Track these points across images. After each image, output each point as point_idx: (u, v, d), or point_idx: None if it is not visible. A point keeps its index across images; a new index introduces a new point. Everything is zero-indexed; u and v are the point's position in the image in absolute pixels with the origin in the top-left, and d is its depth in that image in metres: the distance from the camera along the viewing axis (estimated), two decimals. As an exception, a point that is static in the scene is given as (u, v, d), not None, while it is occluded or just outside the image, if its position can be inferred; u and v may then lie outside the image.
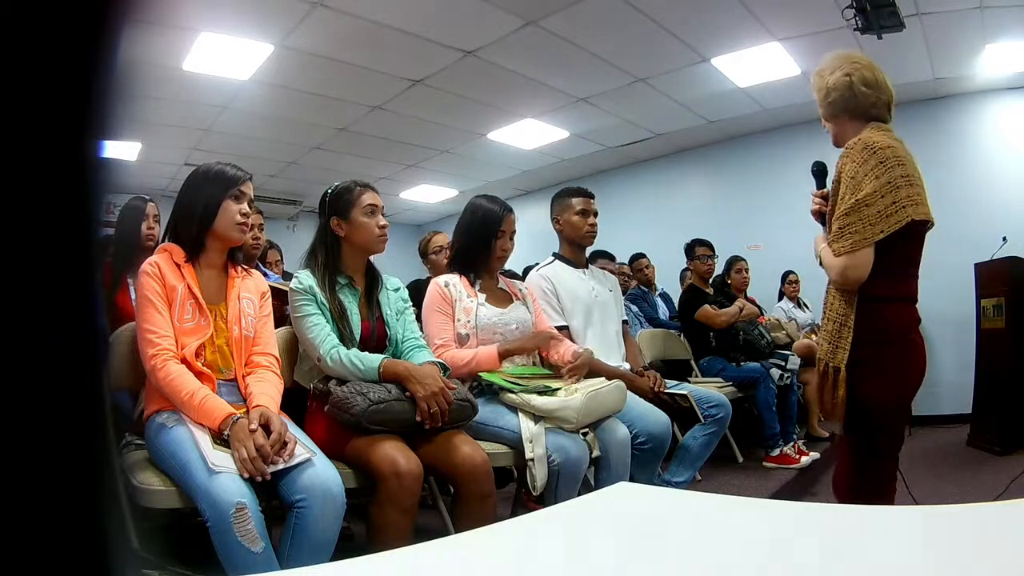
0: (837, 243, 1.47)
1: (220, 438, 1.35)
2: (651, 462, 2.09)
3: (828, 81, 1.57)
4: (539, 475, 1.72)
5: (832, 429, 3.99)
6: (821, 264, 1.57)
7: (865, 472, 1.55)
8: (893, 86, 1.60)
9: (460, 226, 2.11)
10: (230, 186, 1.55)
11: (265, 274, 2.68)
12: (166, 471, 1.36)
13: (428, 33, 3.76)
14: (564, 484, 1.73)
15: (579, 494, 1.71)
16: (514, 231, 2.08)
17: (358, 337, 1.69)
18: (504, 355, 1.89)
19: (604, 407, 1.88)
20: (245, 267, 1.67)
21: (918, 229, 1.51)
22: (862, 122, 1.56)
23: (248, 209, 1.58)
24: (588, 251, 2.52)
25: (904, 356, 1.52)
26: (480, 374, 1.90)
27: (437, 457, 1.60)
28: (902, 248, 1.48)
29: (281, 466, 1.32)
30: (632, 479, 1.94)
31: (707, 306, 3.58)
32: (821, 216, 1.63)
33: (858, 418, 1.52)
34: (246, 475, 1.27)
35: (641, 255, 4.59)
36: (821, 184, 1.69)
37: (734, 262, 4.12)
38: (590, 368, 2.07)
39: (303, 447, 1.39)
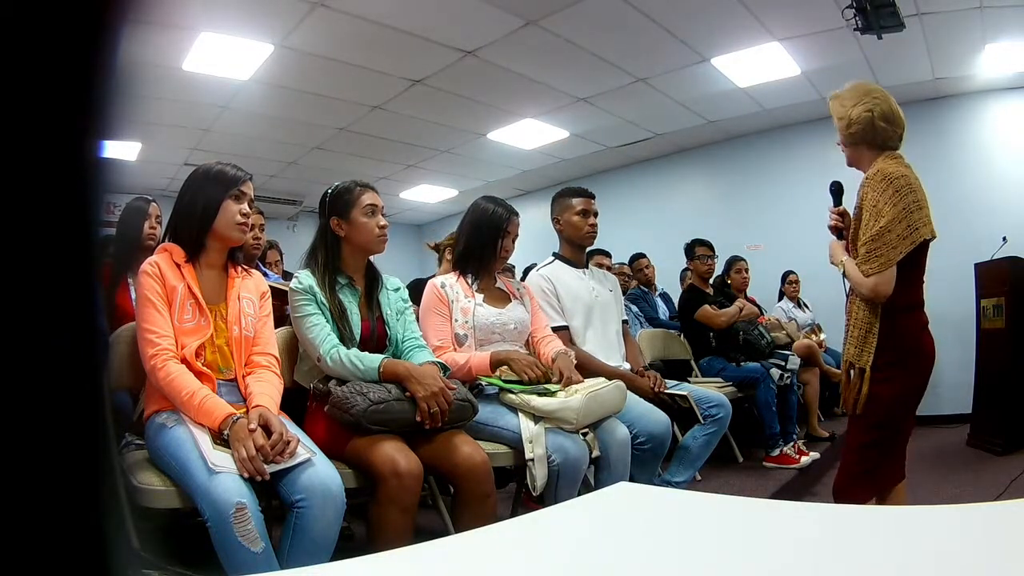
0: (866, 265, 1.64)
1: (220, 438, 1.35)
2: (651, 462, 2.09)
3: (851, 113, 1.71)
4: (539, 475, 1.71)
5: (832, 429, 3.99)
6: (833, 263, 1.76)
7: (866, 464, 1.70)
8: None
9: (464, 227, 2.10)
10: (230, 186, 1.55)
11: (265, 274, 2.68)
12: (166, 471, 1.36)
13: (428, 33, 3.75)
14: (564, 484, 1.73)
15: (579, 494, 1.71)
16: (517, 234, 2.08)
17: (358, 337, 1.69)
18: (496, 363, 1.89)
19: (604, 407, 1.88)
20: (245, 267, 1.67)
21: (926, 244, 1.69)
22: (877, 151, 1.71)
23: (248, 209, 1.58)
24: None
25: (916, 356, 1.70)
26: (479, 377, 1.90)
27: (437, 457, 1.60)
28: (913, 262, 1.66)
29: (281, 466, 1.32)
30: (632, 479, 1.93)
31: (707, 306, 3.58)
32: (837, 230, 1.83)
33: (870, 412, 1.68)
34: (246, 475, 1.27)
35: (641, 255, 4.59)
36: (837, 202, 1.87)
37: (734, 262, 4.12)
38: (587, 368, 2.06)
39: (303, 447, 1.39)
